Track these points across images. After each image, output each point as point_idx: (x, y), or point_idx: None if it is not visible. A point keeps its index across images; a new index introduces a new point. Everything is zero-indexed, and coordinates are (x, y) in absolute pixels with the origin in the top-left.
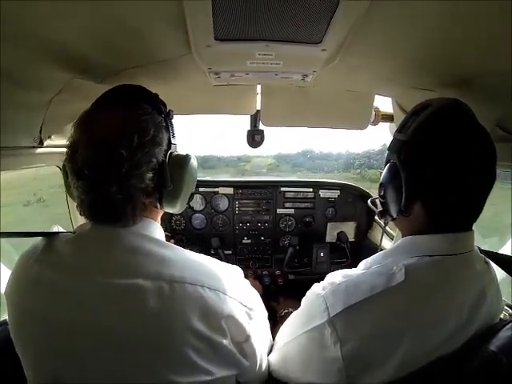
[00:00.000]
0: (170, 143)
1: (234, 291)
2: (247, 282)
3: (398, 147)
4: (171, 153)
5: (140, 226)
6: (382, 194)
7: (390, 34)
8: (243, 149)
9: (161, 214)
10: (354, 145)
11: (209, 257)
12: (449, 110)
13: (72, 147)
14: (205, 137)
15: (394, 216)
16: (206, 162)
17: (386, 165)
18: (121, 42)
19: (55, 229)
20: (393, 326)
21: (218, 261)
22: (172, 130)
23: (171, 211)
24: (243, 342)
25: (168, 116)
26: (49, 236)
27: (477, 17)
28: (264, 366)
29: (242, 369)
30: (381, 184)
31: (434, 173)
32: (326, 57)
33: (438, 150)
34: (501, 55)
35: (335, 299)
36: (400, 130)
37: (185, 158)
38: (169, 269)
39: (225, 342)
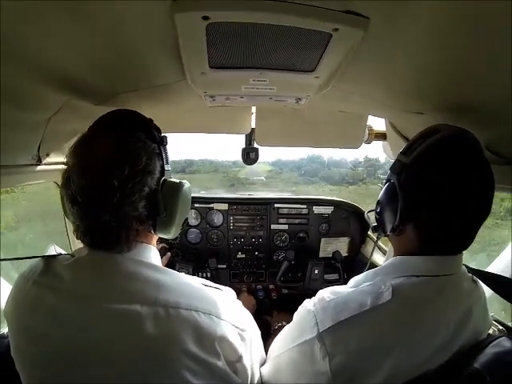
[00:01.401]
0: (163, 170)
1: (227, 314)
2: (239, 302)
3: (399, 169)
4: (164, 180)
5: (136, 252)
6: (378, 210)
7: (382, 63)
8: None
9: (156, 238)
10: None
11: (203, 280)
12: (454, 139)
13: (67, 173)
14: (200, 139)
15: (387, 233)
16: (191, 166)
17: (385, 183)
18: (117, 68)
19: (52, 249)
20: (379, 342)
21: (212, 283)
22: (166, 156)
23: (165, 237)
24: (236, 362)
25: (161, 143)
26: (47, 258)
27: (466, 47)
28: (255, 381)
29: None
30: (378, 201)
31: (431, 199)
32: (319, 84)
33: (438, 179)
34: (491, 84)
35: (325, 315)
36: (404, 153)
37: (178, 186)
38: (164, 294)
39: (219, 363)
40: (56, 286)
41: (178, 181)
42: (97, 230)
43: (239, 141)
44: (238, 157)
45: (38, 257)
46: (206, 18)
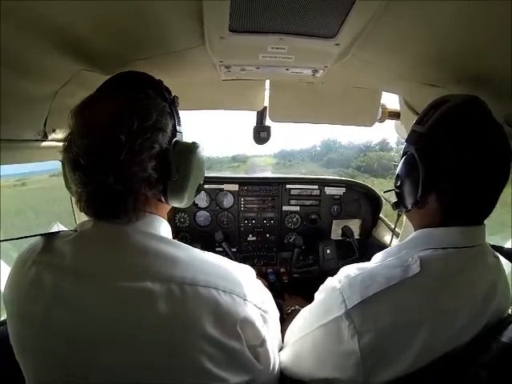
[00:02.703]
0: (175, 130)
1: (249, 293)
2: (260, 282)
3: (416, 139)
4: (176, 141)
5: (145, 223)
6: (398, 184)
7: (403, 31)
8: (240, 147)
9: (167, 208)
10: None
11: (220, 256)
12: (468, 104)
13: (69, 136)
14: (200, 133)
15: (409, 207)
16: None
17: (402, 156)
18: (134, 32)
19: (55, 227)
20: (410, 317)
21: (230, 261)
22: (177, 117)
23: (177, 205)
24: (258, 346)
25: (173, 103)
26: (48, 236)
27: (489, 16)
28: (277, 367)
29: (256, 373)
30: (397, 175)
31: (451, 165)
32: (339, 52)
33: (456, 143)
34: (510, 54)
35: (352, 292)
36: (419, 122)
37: (191, 146)
38: (180, 270)
39: (240, 347)
40: (57, 264)
41: (190, 142)
42: (102, 197)
43: (240, 133)
44: (239, 151)
45: (37, 235)
46: None
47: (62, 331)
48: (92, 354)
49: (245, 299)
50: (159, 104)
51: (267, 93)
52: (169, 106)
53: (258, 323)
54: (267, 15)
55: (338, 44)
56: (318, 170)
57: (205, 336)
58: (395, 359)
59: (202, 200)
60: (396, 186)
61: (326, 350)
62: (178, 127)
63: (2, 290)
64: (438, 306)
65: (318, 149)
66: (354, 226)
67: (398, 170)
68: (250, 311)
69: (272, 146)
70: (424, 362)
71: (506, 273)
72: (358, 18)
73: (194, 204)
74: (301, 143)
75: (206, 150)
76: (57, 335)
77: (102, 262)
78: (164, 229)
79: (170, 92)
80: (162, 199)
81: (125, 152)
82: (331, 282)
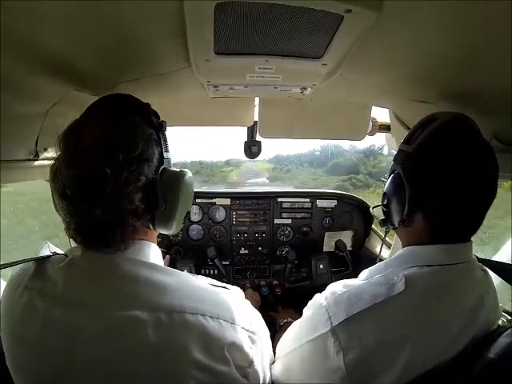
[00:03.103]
0: (161, 158)
1: (237, 317)
2: (248, 302)
3: (403, 158)
4: (164, 169)
5: (134, 251)
6: (385, 203)
7: (391, 48)
8: (234, 152)
9: (156, 233)
10: None
11: (208, 279)
12: (455, 123)
13: (55, 164)
14: (192, 139)
15: (396, 225)
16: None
17: (390, 175)
18: (120, 55)
19: (46, 247)
20: (394, 335)
21: (218, 283)
22: (165, 143)
23: (166, 233)
24: (247, 367)
25: (160, 128)
26: (38, 260)
27: (474, 33)
28: (267, 383)
29: None
30: (384, 193)
31: (438, 184)
32: (326, 71)
33: (444, 163)
34: (499, 70)
35: (337, 309)
36: (407, 142)
37: (179, 175)
38: (167, 298)
39: (228, 369)
40: (49, 292)
41: (178, 169)
42: (89, 227)
43: (235, 138)
44: (232, 155)
45: (30, 260)
46: None
47: (53, 357)
48: (81, 380)
49: (232, 323)
50: (146, 132)
51: (257, 108)
52: (156, 132)
53: (246, 345)
54: (252, 37)
55: (325, 64)
56: (323, 176)
57: (193, 362)
58: (380, 375)
59: (195, 214)
60: (383, 204)
61: (313, 365)
62: (165, 154)
63: None
64: (423, 322)
65: (318, 153)
66: (347, 237)
67: (385, 189)
68: (238, 335)
69: (267, 152)
70: (409, 377)
71: (496, 285)
72: (343, 39)
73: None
74: (297, 148)
75: (199, 154)
76: (49, 360)
77: (91, 291)
78: (153, 254)
79: (157, 116)
80: (151, 227)
81: (111, 185)
82: (318, 299)
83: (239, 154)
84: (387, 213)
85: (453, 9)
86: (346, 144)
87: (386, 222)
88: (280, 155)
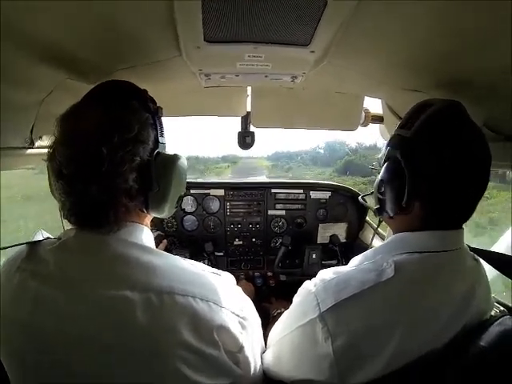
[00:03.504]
0: (157, 142)
1: (226, 301)
2: (239, 289)
3: (401, 143)
4: (158, 152)
5: (126, 232)
6: (381, 190)
7: (378, 35)
8: (231, 148)
9: (149, 218)
10: None
11: (199, 263)
12: (452, 109)
13: (53, 145)
14: (189, 134)
15: (393, 214)
16: None
17: (385, 161)
18: (112, 43)
19: (39, 234)
20: (383, 321)
21: (209, 268)
22: (160, 128)
23: (158, 215)
24: (236, 352)
25: (156, 113)
26: (32, 243)
27: (464, 20)
28: (258, 372)
29: (237, 378)
30: (381, 181)
31: (437, 172)
32: (315, 58)
33: (442, 148)
34: (490, 57)
35: (326, 295)
36: (402, 126)
37: (173, 158)
38: (157, 279)
39: (217, 353)
40: (40, 272)
41: (172, 153)
42: (83, 207)
43: (232, 132)
44: (228, 151)
45: (23, 244)
46: None
47: (44, 335)
48: (73, 359)
49: (221, 306)
50: (142, 116)
51: (249, 99)
52: (152, 117)
53: (236, 330)
54: (240, 25)
55: (313, 51)
56: (335, 177)
57: (183, 343)
58: (369, 361)
59: (189, 205)
60: (379, 192)
61: (302, 351)
62: (160, 138)
63: None
64: (412, 309)
65: (322, 151)
66: (341, 229)
67: (380, 176)
68: (227, 318)
69: (265, 148)
70: (399, 364)
71: (490, 276)
72: (328, 25)
73: (181, 209)
74: (298, 145)
75: (195, 149)
76: (40, 339)
77: (83, 270)
78: (145, 237)
79: (154, 102)
80: (144, 209)
81: (106, 164)
82: (307, 286)
83: (237, 150)
84: (383, 200)
85: None
86: (351, 141)
87: (382, 210)
88: (280, 152)
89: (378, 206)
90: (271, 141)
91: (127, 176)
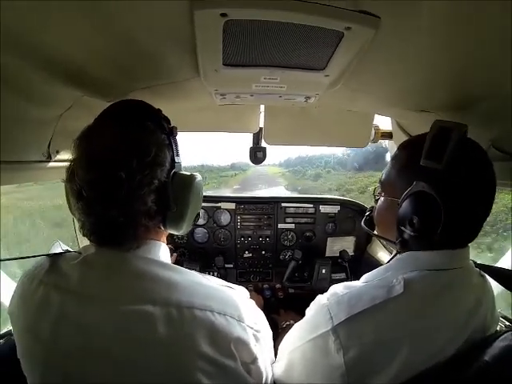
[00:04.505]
0: (173, 162)
1: (242, 314)
2: (253, 302)
3: (433, 177)
4: (175, 172)
5: (145, 249)
6: (405, 223)
7: (391, 62)
8: (241, 156)
9: (166, 234)
10: None
11: (215, 278)
12: (466, 137)
13: (71, 166)
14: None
15: (417, 247)
16: None
17: (411, 195)
18: (131, 64)
19: (58, 245)
20: (392, 335)
21: (224, 282)
22: (176, 148)
23: (176, 233)
24: (250, 363)
25: (171, 133)
26: (53, 256)
27: (475, 45)
28: (269, 381)
29: None
30: (407, 214)
31: (463, 201)
32: (329, 82)
33: (468, 180)
34: (496, 78)
35: (339, 309)
36: (430, 157)
37: (189, 178)
38: (177, 294)
39: (234, 364)
40: (63, 286)
41: (189, 173)
42: (103, 227)
43: (241, 141)
44: (238, 159)
45: (43, 255)
46: (224, 15)
47: (68, 348)
48: (94, 371)
49: (238, 320)
50: (158, 138)
51: (262, 115)
52: (167, 137)
53: (251, 342)
54: (258, 51)
55: (327, 75)
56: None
57: (202, 355)
58: (378, 373)
59: (200, 218)
60: (410, 225)
61: (314, 362)
62: (176, 158)
63: (3, 300)
64: (420, 324)
65: (350, 153)
66: (349, 243)
67: (407, 210)
68: (243, 331)
69: (276, 154)
70: (406, 376)
71: (495, 292)
72: (345, 53)
73: None
74: (315, 149)
75: (208, 157)
76: (63, 352)
77: (104, 286)
78: (163, 253)
79: (168, 121)
80: (161, 227)
81: (125, 188)
82: (320, 300)
83: (246, 158)
84: (409, 234)
85: (448, 24)
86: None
87: (405, 243)
88: (292, 158)
89: (400, 239)
90: (277, 149)
91: (146, 199)
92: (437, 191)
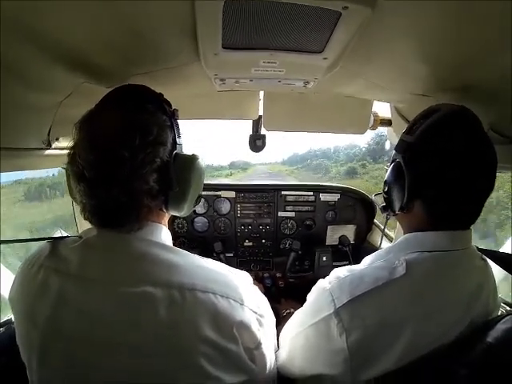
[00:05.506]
0: (174, 143)
1: (246, 298)
2: (256, 287)
3: (403, 148)
4: (176, 153)
5: (146, 231)
6: (385, 190)
7: (389, 45)
8: (241, 154)
9: (167, 217)
10: None
11: (218, 262)
12: (456, 115)
13: (73, 149)
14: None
15: (396, 212)
16: None
17: (391, 164)
18: (131, 49)
19: (58, 233)
20: (395, 316)
21: (227, 266)
22: (177, 129)
23: (178, 214)
24: (254, 349)
25: (173, 116)
26: (53, 241)
27: (474, 28)
28: (273, 369)
29: (253, 374)
30: (385, 181)
31: (436, 174)
32: (327, 65)
33: (442, 153)
34: (495, 62)
35: (341, 292)
36: (407, 132)
37: (191, 158)
38: (178, 276)
39: (236, 349)
40: (64, 270)
41: (190, 154)
42: (105, 208)
43: (241, 139)
44: (238, 157)
45: (44, 239)
46: None
47: (66, 332)
48: (95, 355)
49: (241, 304)
50: (159, 118)
51: (261, 102)
52: (169, 119)
53: (254, 327)
54: (257, 33)
55: (326, 58)
56: None
57: (203, 338)
58: (381, 356)
59: (200, 206)
60: (384, 192)
61: (316, 347)
62: (177, 139)
63: (3, 291)
64: (422, 305)
65: (372, 145)
66: (349, 231)
67: (386, 177)
68: (246, 315)
69: (279, 153)
70: (409, 359)
71: (499, 276)
72: (342, 34)
73: (192, 210)
74: (321, 143)
75: (205, 155)
76: (61, 335)
77: (105, 268)
78: (165, 236)
79: (170, 105)
80: (163, 209)
81: (128, 167)
82: (322, 283)
83: (248, 156)
84: (388, 200)
85: (445, 5)
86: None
87: (387, 208)
88: (298, 154)
89: (383, 204)
90: (283, 145)
91: (148, 178)
92: (404, 160)
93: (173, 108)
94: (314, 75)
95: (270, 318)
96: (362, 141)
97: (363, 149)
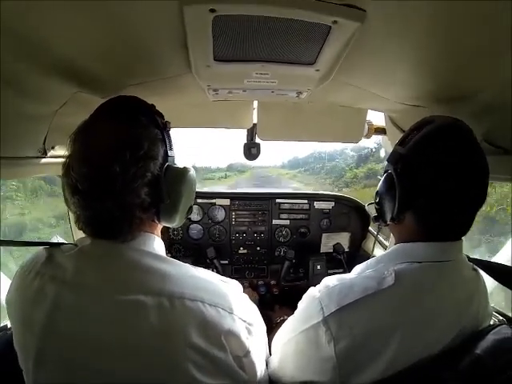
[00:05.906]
0: (166, 156)
1: (234, 307)
2: (246, 296)
3: (395, 159)
4: (168, 166)
5: (139, 241)
6: (377, 200)
7: (380, 55)
8: (238, 157)
9: (160, 227)
10: None
11: (208, 271)
12: (448, 128)
13: (67, 161)
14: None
15: (387, 222)
16: None
17: (383, 174)
18: (125, 60)
19: (55, 239)
20: (383, 325)
21: (218, 276)
22: (169, 142)
23: (169, 225)
24: (243, 357)
25: (164, 128)
26: (49, 247)
27: (462, 40)
28: (263, 377)
29: (242, 382)
30: (377, 192)
31: (429, 186)
32: (320, 76)
33: (436, 165)
34: (488, 73)
35: (330, 300)
36: (400, 143)
37: (182, 171)
38: (169, 285)
39: (225, 357)
40: (59, 277)
41: (182, 166)
42: (99, 220)
43: (238, 141)
44: (236, 159)
45: (41, 243)
46: (212, 10)
47: (61, 337)
48: (89, 361)
49: (230, 312)
50: (151, 132)
51: (255, 111)
52: (161, 132)
53: (243, 335)
54: (249, 45)
55: (318, 70)
56: None
57: (191, 345)
58: (369, 364)
59: (195, 214)
60: (376, 202)
61: (306, 354)
62: (169, 152)
63: (3, 297)
64: (410, 315)
65: (377, 146)
66: (344, 239)
67: (378, 187)
68: (235, 324)
69: (278, 156)
70: (397, 368)
71: (491, 285)
72: (333, 46)
73: (187, 217)
74: (326, 145)
75: (202, 157)
76: (57, 341)
77: (99, 276)
78: (157, 246)
79: (162, 116)
80: (155, 220)
81: (119, 181)
82: (312, 292)
83: (244, 159)
84: (379, 210)
85: (436, 16)
86: None
87: (378, 218)
88: (297, 157)
89: (375, 215)
90: (282, 147)
91: (139, 191)
92: (396, 172)
93: (165, 120)
94: (306, 86)
95: (260, 327)
96: (369, 142)
97: (373, 149)
